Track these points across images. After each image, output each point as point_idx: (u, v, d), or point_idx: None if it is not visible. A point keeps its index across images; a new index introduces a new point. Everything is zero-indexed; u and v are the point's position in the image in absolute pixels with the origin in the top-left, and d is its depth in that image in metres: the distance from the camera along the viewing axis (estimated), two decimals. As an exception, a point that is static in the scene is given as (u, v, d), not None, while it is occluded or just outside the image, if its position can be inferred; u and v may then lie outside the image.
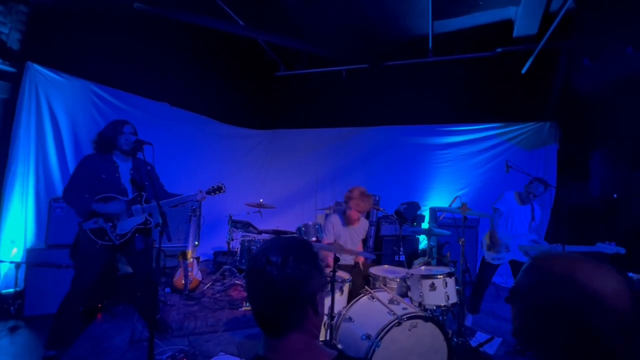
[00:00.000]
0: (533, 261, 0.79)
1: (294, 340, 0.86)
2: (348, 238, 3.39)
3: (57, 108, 3.90)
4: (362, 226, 3.54)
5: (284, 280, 0.84)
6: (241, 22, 5.01)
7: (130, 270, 4.44)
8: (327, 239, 3.30)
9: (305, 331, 0.88)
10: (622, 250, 2.86)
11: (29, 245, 3.54)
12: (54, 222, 3.43)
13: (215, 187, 3.00)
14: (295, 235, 4.41)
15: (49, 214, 3.44)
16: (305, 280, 0.86)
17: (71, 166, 4.00)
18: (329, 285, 2.32)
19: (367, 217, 4.59)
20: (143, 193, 2.73)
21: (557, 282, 0.72)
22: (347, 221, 3.39)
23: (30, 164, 3.67)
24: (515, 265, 3.45)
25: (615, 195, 4.29)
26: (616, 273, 0.72)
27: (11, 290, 3.28)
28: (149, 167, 2.58)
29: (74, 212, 2.59)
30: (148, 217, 2.76)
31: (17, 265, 3.26)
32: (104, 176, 2.62)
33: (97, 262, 2.61)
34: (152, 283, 2.82)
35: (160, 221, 2.17)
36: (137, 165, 2.80)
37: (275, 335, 0.87)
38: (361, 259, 3.38)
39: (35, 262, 3.26)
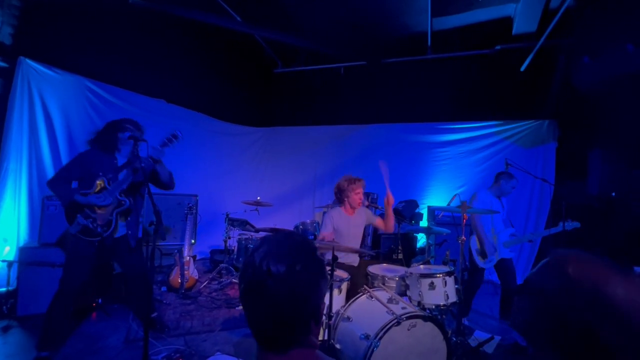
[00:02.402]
0: (557, 261, 0.73)
1: (295, 356, 0.78)
2: (349, 230, 3.28)
3: (51, 104, 3.84)
4: (361, 216, 3.39)
5: (288, 296, 0.73)
6: (238, 18, 4.95)
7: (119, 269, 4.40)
8: (325, 233, 3.19)
9: (307, 344, 0.79)
10: (578, 224, 3.34)
11: (21, 243, 3.49)
12: (47, 220, 3.37)
13: (169, 136, 2.64)
14: (295, 233, 4.37)
15: (42, 211, 3.39)
16: (311, 294, 0.76)
17: (65, 163, 3.94)
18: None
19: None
20: (104, 178, 2.57)
21: (581, 292, 0.67)
22: (347, 212, 3.31)
23: (23, 161, 3.62)
24: (500, 262, 3.47)
25: (613, 194, 4.29)
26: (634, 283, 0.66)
27: (4, 289, 3.23)
28: (143, 164, 2.53)
29: (59, 202, 2.56)
30: (118, 197, 2.59)
31: (10, 264, 3.21)
32: (100, 173, 2.56)
33: (84, 261, 2.56)
34: (147, 283, 2.79)
35: (155, 219, 2.13)
36: (132, 162, 2.74)
37: (273, 352, 0.78)
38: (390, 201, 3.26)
39: (28, 260, 3.21)
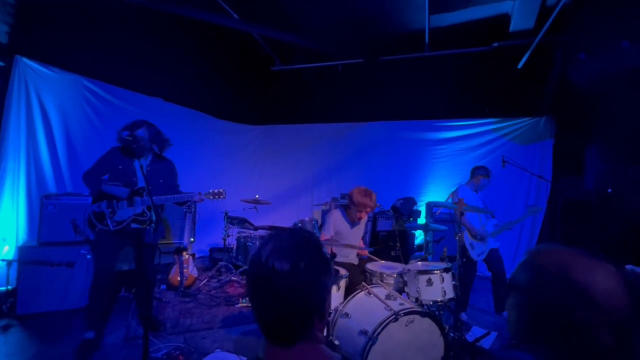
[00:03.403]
0: (530, 256, 0.80)
1: (300, 350, 0.80)
2: (351, 237, 3.33)
3: (48, 103, 3.83)
4: (363, 223, 3.45)
5: (293, 292, 0.76)
6: (235, 16, 4.94)
7: (124, 267, 4.42)
8: (326, 235, 3.24)
9: (311, 339, 0.82)
10: (542, 208, 3.72)
11: (20, 242, 3.49)
12: (46, 219, 3.37)
13: (216, 191, 2.95)
14: (301, 230, 4.37)
15: (41, 211, 3.38)
16: (315, 290, 0.79)
17: (63, 162, 3.95)
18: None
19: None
20: (147, 186, 2.76)
21: (551, 279, 0.73)
22: (351, 220, 3.34)
23: (21, 160, 3.61)
24: (490, 253, 3.59)
25: (609, 190, 4.31)
26: (613, 271, 0.71)
27: (3, 288, 3.23)
28: (166, 163, 2.87)
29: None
30: (146, 210, 2.82)
31: (9, 263, 3.21)
32: (120, 167, 2.79)
33: (105, 247, 2.77)
34: (147, 279, 2.91)
35: (154, 218, 2.16)
36: (155, 161, 2.94)
37: (279, 345, 0.81)
38: (365, 253, 3.36)
39: (27, 260, 3.22)
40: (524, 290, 0.77)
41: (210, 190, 2.96)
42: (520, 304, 0.78)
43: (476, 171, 3.75)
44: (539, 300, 0.74)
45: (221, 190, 2.96)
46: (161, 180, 2.89)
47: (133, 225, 2.78)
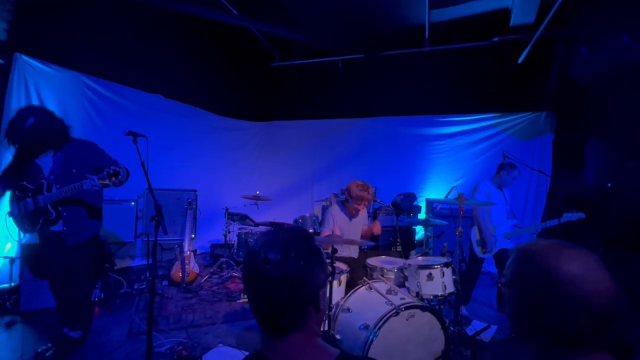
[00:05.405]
0: (516, 252, 0.85)
1: (295, 340, 0.82)
2: (351, 229, 3.36)
3: (48, 100, 3.83)
4: (362, 215, 3.50)
5: (284, 280, 0.78)
6: (235, 12, 4.91)
7: (126, 264, 4.43)
8: (327, 231, 3.27)
9: (307, 330, 0.84)
10: (582, 215, 3.31)
11: (23, 240, 3.50)
12: (48, 217, 3.37)
13: (112, 172, 2.30)
14: (295, 226, 4.40)
15: (43, 208, 3.39)
16: (306, 279, 0.81)
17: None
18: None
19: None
20: (44, 181, 2.47)
21: (523, 268, 0.79)
22: (349, 213, 3.37)
23: (22, 158, 3.60)
24: (500, 253, 3.51)
25: (609, 185, 4.31)
26: (588, 258, 0.74)
27: (6, 285, 3.26)
28: (76, 148, 2.55)
29: None
30: (50, 208, 2.46)
31: (12, 261, 3.24)
32: (27, 167, 2.52)
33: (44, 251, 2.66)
34: (72, 292, 2.65)
35: (155, 214, 2.13)
36: (60, 150, 2.56)
37: (275, 335, 0.83)
38: (378, 230, 3.40)
39: (29, 257, 3.23)
40: (509, 282, 0.82)
41: (106, 172, 2.31)
42: (507, 297, 0.82)
43: (501, 167, 3.69)
44: (517, 291, 0.79)
45: (117, 170, 2.29)
46: (74, 170, 2.50)
47: (53, 228, 2.51)
